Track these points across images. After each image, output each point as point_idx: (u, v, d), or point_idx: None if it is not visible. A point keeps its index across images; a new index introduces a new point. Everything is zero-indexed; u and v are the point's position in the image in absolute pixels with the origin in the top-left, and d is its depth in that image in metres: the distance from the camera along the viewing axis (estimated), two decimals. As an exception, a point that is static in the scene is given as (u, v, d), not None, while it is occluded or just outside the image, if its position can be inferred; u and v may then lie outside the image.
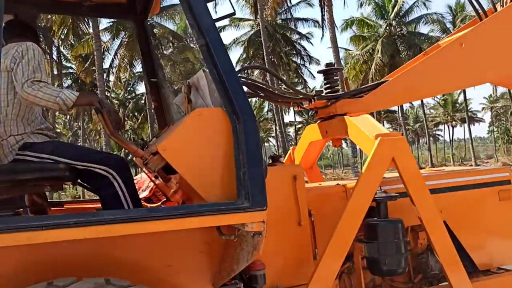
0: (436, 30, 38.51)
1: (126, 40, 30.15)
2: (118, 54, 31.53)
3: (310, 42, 64.84)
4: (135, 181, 2.94)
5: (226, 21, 37.81)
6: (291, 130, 64.29)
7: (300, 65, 38.63)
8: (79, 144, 34.74)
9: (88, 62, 31.74)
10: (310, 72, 41.36)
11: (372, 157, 2.86)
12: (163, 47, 32.36)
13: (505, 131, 64.69)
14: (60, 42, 31.28)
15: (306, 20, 36.91)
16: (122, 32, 30.61)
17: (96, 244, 2.22)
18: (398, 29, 37.24)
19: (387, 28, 37.11)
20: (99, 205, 3.03)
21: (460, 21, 37.22)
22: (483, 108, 74.04)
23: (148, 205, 3.36)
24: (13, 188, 2.46)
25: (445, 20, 39.19)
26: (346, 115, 3.32)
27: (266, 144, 66.15)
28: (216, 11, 38.87)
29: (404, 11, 37.35)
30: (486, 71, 3.64)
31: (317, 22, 35.29)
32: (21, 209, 2.71)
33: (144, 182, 3.62)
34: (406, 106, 45.58)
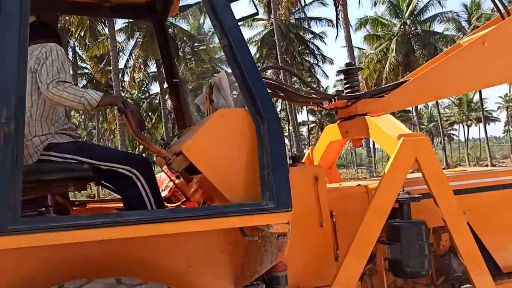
0: (451, 28, 38.11)
1: (141, 40, 30.32)
2: (133, 54, 31.75)
3: (324, 42, 64.57)
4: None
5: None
6: (303, 130, 64.18)
7: (314, 65, 38.55)
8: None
9: (103, 63, 32.01)
10: (324, 72, 41.31)
11: (395, 157, 2.84)
12: (181, 47, 32.52)
13: (521, 131, 63.84)
14: (77, 43, 31.56)
15: (319, 19, 36.79)
16: (136, 32, 30.80)
17: (117, 244, 2.22)
18: (412, 28, 36.92)
19: (402, 27, 36.82)
20: (120, 205, 3.05)
21: (475, 20, 36.82)
22: (498, 107, 73.10)
23: (168, 205, 3.37)
24: (38, 188, 2.49)
25: (460, 18, 38.77)
26: (366, 115, 3.30)
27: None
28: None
29: (418, 10, 37.01)
30: (508, 70, 3.58)
31: (331, 21, 35.22)
32: (44, 209, 2.75)
33: (163, 181, 3.63)
34: (420, 105, 45.07)
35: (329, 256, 2.90)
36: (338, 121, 3.63)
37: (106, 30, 26.43)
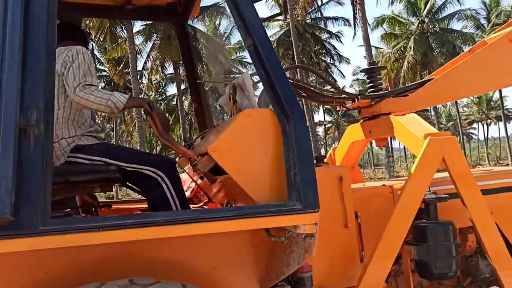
0: (469, 26, 37.67)
1: (158, 42, 30.52)
2: (151, 57, 31.97)
3: (340, 41, 64.16)
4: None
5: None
6: (320, 130, 63.85)
7: (330, 64, 38.32)
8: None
9: (121, 65, 32.29)
10: (340, 71, 41.05)
11: (422, 157, 2.79)
12: (201, 49, 32.63)
13: (543, 129, 62.58)
14: (97, 46, 31.87)
15: (336, 18, 36.54)
16: (154, 34, 31.01)
17: (142, 245, 2.22)
18: (430, 26, 36.50)
19: (419, 25, 36.43)
20: (145, 205, 3.07)
21: (495, 17, 36.24)
22: (519, 106, 71.84)
23: (191, 206, 3.38)
24: (65, 190, 2.52)
25: (479, 16, 38.22)
26: (390, 114, 3.26)
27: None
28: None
29: (436, 8, 36.60)
30: None
31: (347, 20, 34.92)
32: (70, 210, 2.78)
33: (185, 182, 3.64)
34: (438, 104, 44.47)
35: (354, 257, 2.87)
36: (361, 120, 3.60)
37: (125, 33, 26.63)
